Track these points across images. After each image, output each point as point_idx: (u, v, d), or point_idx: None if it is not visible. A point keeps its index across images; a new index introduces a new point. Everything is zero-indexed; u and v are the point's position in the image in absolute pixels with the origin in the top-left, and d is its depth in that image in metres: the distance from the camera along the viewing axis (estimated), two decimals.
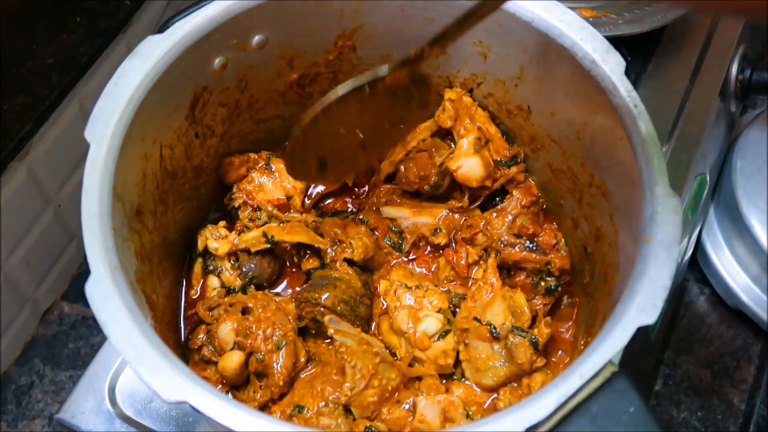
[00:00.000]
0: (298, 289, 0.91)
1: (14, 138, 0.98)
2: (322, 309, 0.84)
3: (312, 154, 0.81)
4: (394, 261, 0.94)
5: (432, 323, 0.84)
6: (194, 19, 0.78)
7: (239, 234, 0.90)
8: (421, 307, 0.85)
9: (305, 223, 0.91)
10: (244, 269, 0.89)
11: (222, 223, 0.91)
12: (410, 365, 0.84)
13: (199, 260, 0.91)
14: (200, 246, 0.90)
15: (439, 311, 0.85)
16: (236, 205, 0.93)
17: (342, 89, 0.76)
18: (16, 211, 1.03)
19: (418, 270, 0.94)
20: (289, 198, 0.93)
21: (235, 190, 0.94)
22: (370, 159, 0.87)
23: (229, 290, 0.89)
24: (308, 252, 0.90)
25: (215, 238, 0.89)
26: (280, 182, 0.94)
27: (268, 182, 0.94)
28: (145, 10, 1.16)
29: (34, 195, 1.06)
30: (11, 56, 1.00)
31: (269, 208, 0.92)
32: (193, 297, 0.91)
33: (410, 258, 0.95)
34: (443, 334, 0.84)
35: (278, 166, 0.94)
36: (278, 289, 0.93)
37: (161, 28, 0.78)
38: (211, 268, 0.90)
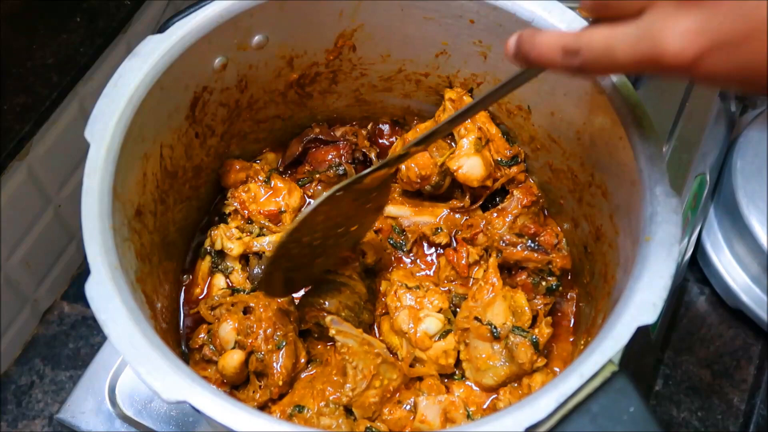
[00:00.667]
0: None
1: (14, 138, 0.98)
2: (325, 314, 0.84)
3: (279, 273, 0.81)
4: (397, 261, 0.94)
5: (432, 323, 0.84)
6: (194, 19, 0.78)
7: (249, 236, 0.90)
8: (422, 308, 0.85)
9: None
10: (253, 272, 0.90)
11: (234, 223, 0.91)
12: (411, 365, 0.84)
13: (207, 258, 0.91)
14: (217, 245, 0.90)
15: (439, 311, 0.85)
16: (227, 211, 0.93)
17: (319, 200, 0.76)
18: (16, 211, 1.03)
19: (422, 268, 0.94)
20: (281, 212, 0.93)
21: (229, 195, 0.93)
22: (323, 267, 0.87)
23: (234, 291, 0.89)
24: None
25: (229, 238, 0.90)
26: (275, 197, 0.93)
27: (264, 195, 0.93)
28: (145, 10, 1.16)
29: (34, 195, 1.06)
30: (11, 56, 1.00)
31: (262, 221, 0.91)
32: (199, 297, 0.91)
33: (411, 258, 0.95)
34: (444, 334, 0.84)
35: (277, 183, 0.94)
36: None
37: (161, 28, 0.78)
38: (221, 267, 0.90)
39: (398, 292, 0.86)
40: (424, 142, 0.75)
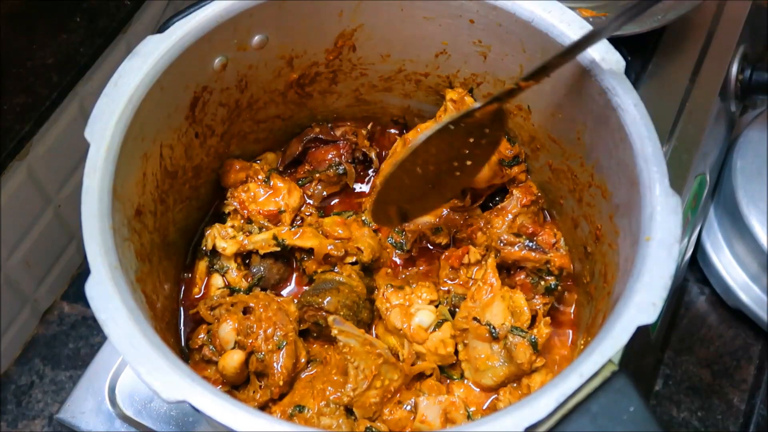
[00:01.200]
0: (305, 288, 0.91)
1: (14, 138, 0.98)
2: (324, 313, 0.84)
3: (393, 204, 0.84)
4: (398, 260, 0.94)
5: (425, 316, 0.84)
6: (194, 19, 0.78)
7: (247, 235, 0.90)
8: (412, 303, 0.85)
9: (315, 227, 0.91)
10: (253, 271, 0.90)
11: (230, 222, 0.91)
12: (412, 364, 0.84)
13: (205, 258, 0.91)
14: (209, 245, 0.90)
15: (430, 303, 0.85)
16: (227, 211, 0.93)
17: (430, 131, 0.78)
18: (16, 211, 1.03)
19: (421, 270, 0.94)
20: (281, 212, 0.93)
21: (228, 195, 0.94)
22: (438, 201, 0.90)
23: (233, 290, 0.89)
24: (312, 254, 0.90)
25: (223, 237, 0.90)
26: (275, 197, 0.93)
27: (263, 195, 0.93)
28: (145, 10, 1.16)
29: (34, 195, 1.06)
30: (11, 56, 1.00)
31: (261, 221, 0.91)
32: (197, 296, 0.91)
33: (410, 256, 0.95)
34: (439, 323, 0.84)
35: (276, 182, 0.94)
36: (282, 290, 0.93)
37: (161, 28, 0.78)
38: (216, 267, 0.90)
39: (386, 294, 0.86)
40: (536, 76, 0.75)
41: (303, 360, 0.84)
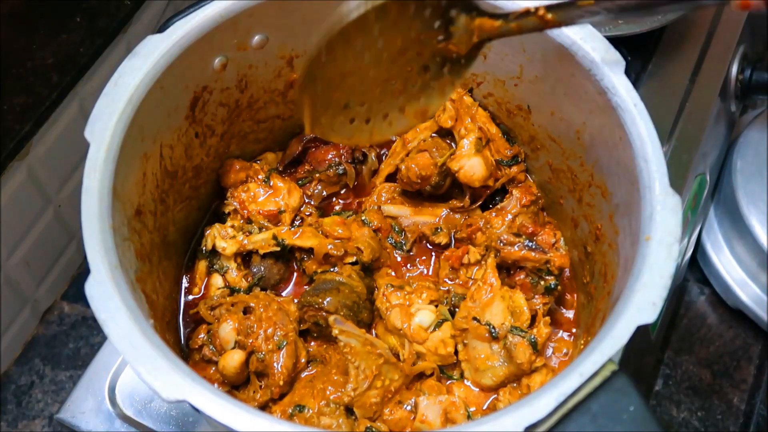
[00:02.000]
0: (305, 288, 0.91)
1: (14, 138, 0.98)
2: (324, 313, 0.84)
3: (336, 103, 0.65)
4: (398, 260, 0.95)
5: (425, 315, 0.84)
6: (194, 19, 0.78)
7: (247, 235, 0.90)
8: (412, 303, 0.85)
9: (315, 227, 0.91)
10: (253, 270, 0.90)
11: (229, 222, 0.92)
12: (413, 365, 0.84)
13: (204, 258, 0.91)
14: (209, 245, 0.90)
15: (430, 303, 0.85)
16: (227, 211, 0.93)
17: None
18: (16, 211, 1.03)
19: (419, 269, 0.94)
20: (280, 212, 0.93)
21: (228, 195, 0.94)
22: (383, 110, 0.71)
23: (233, 290, 0.89)
24: (312, 254, 0.90)
25: (222, 237, 0.90)
26: (274, 197, 0.93)
27: (263, 195, 0.93)
28: (145, 10, 1.16)
29: (34, 195, 1.06)
30: (11, 56, 1.00)
31: (261, 221, 0.91)
32: (197, 296, 0.91)
33: (410, 256, 0.95)
34: (439, 323, 0.84)
35: (276, 182, 0.94)
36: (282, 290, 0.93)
37: (161, 28, 0.78)
38: (216, 267, 0.90)
39: (386, 294, 0.86)
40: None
41: (303, 360, 0.84)
